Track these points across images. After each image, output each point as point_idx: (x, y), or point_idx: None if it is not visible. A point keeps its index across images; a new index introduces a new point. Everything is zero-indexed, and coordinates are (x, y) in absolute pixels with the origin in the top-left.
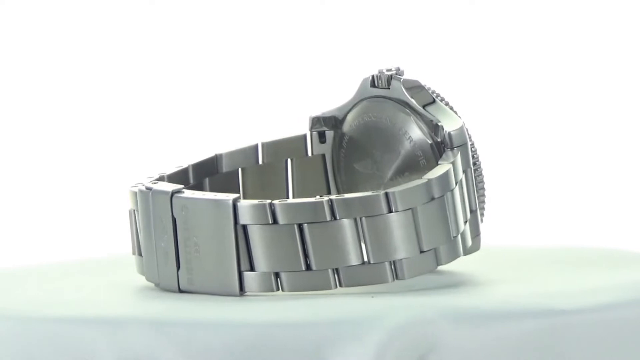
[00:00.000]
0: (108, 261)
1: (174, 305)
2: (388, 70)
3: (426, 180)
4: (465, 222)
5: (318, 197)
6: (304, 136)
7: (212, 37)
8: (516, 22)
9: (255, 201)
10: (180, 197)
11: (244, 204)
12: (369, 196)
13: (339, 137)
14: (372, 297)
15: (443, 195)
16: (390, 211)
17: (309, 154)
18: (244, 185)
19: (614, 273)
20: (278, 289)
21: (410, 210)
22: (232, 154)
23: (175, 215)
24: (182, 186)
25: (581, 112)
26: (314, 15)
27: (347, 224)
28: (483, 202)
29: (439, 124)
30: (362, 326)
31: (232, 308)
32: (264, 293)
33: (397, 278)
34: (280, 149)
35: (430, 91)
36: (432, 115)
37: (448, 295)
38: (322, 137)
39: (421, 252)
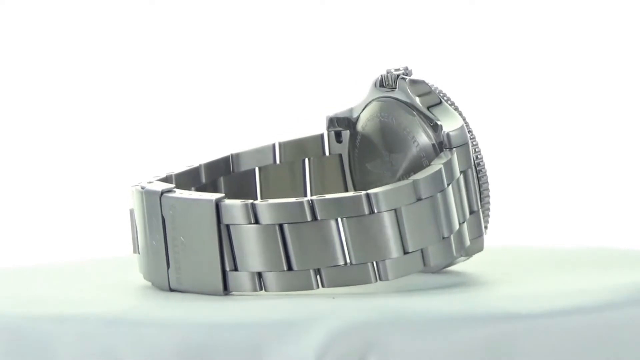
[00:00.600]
0: (107, 261)
1: (142, 304)
2: (396, 70)
3: (411, 181)
4: (463, 222)
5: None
6: (321, 136)
7: (217, 37)
8: (520, 21)
9: (238, 201)
10: (169, 196)
11: (227, 203)
12: (350, 197)
13: (354, 137)
14: (333, 297)
15: (433, 196)
16: (372, 212)
17: (327, 153)
18: (261, 184)
19: (601, 274)
20: (261, 289)
21: (393, 211)
22: (249, 154)
23: (164, 215)
24: (172, 186)
25: (583, 112)
26: (321, 15)
27: (328, 224)
28: (487, 202)
29: (439, 123)
30: (303, 328)
31: (185, 308)
32: (247, 293)
33: (380, 279)
34: (298, 149)
35: (437, 91)
36: (434, 115)
37: (399, 299)
38: (338, 136)
39: (406, 252)
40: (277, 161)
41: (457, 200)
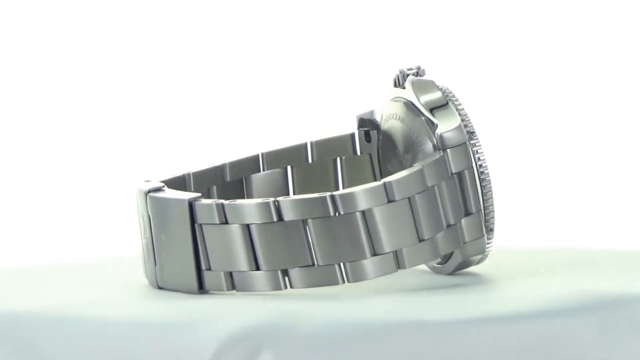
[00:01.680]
0: (111, 261)
1: (123, 302)
2: (409, 69)
3: (382, 182)
4: (454, 224)
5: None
6: (352, 135)
7: (217, 37)
8: (522, 20)
9: (210, 201)
10: (152, 196)
11: (200, 203)
12: (315, 198)
13: (378, 137)
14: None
15: (410, 197)
16: (337, 213)
17: (357, 152)
18: (294, 183)
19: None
20: (233, 289)
21: (358, 213)
22: (279, 153)
23: (150, 214)
24: (161, 185)
25: (587, 113)
26: (321, 15)
27: (294, 225)
28: (491, 204)
29: (435, 123)
30: (198, 329)
31: (144, 307)
32: (223, 292)
33: (349, 281)
34: (329, 148)
35: (445, 92)
36: (434, 116)
37: (310, 303)
38: (367, 136)
39: (377, 254)
40: (309, 160)
41: (448, 201)
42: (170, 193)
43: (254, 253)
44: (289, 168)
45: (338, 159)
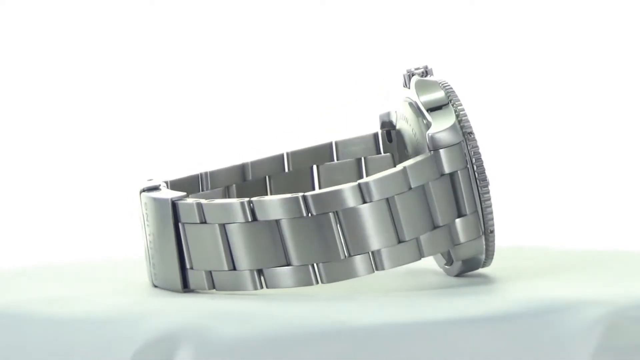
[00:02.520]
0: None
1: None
2: (416, 69)
3: (357, 183)
4: (444, 225)
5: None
6: (375, 135)
7: (223, 38)
8: (522, 20)
9: (191, 200)
10: (144, 195)
11: (182, 203)
12: (288, 198)
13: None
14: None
15: (384, 199)
16: (308, 214)
17: (381, 152)
18: (319, 182)
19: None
20: (212, 287)
21: (330, 214)
22: (303, 152)
23: (143, 213)
24: (159, 184)
25: (587, 113)
26: (321, 15)
27: (268, 225)
28: (489, 205)
29: (427, 123)
30: (124, 327)
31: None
32: (204, 292)
33: (321, 281)
34: (353, 148)
35: (447, 92)
36: (430, 116)
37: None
38: (389, 136)
39: (350, 255)
40: (334, 159)
41: (438, 202)
42: (161, 193)
43: (231, 253)
44: (314, 167)
45: (362, 158)
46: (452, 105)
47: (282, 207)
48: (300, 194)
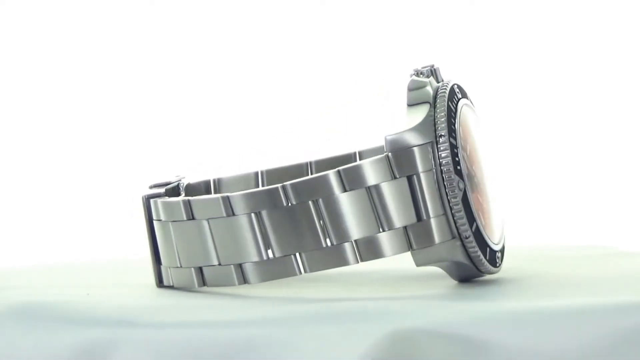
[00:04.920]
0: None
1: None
2: (423, 67)
3: (280, 185)
4: (389, 229)
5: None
6: None
7: (223, 38)
8: (524, 21)
9: (167, 198)
10: (141, 195)
11: (153, 200)
12: (265, 190)
13: None
14: (87, 294)
15: (314, 201)
16: (232, 214)
17: None
18: None
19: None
20: (203, 284)
21: (253, 214)
22: (325, 162)
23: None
24: (158, 184)
25: (588, 113)
26: (321, 15)
27: (245, 219)
28: (459, 210)
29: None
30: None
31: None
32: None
33: (245, 282)
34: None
35: (435, 91)
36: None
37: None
38: None
39: (269, 257)
40: None
41: (390, 205)
42: (152, 193)
43: (215, 248)
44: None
45: None
46: (431, 106)
47: (261, 200)
48: (222, 195)
